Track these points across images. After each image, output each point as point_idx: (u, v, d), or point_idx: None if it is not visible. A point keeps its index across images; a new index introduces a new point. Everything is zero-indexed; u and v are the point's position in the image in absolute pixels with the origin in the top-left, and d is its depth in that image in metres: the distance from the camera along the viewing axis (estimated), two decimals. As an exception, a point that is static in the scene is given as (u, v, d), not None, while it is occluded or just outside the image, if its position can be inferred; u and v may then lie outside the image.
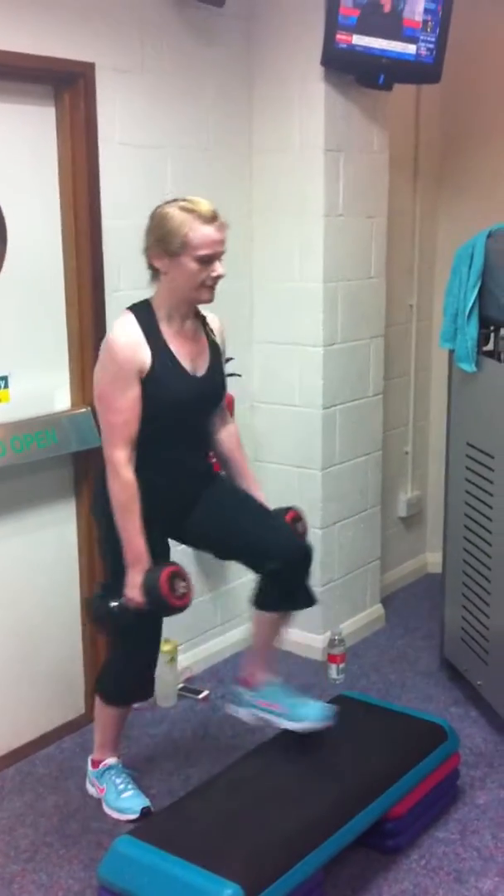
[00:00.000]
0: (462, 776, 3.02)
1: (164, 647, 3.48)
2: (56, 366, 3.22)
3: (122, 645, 2.85)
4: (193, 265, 2.48)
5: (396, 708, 3.10)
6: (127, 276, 3.28)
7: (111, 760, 2.95)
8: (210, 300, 2.58)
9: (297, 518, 2.87)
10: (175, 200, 2.53)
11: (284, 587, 2.71)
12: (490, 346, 3.33)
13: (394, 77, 3.63)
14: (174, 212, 2.49)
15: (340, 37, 3.38)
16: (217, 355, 2.72)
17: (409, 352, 4.49)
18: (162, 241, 2.49)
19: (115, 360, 2.50)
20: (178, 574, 2.57)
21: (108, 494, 2.56)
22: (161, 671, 3.49)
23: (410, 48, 3.57)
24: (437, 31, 3.61)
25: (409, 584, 4.67)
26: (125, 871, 2.36)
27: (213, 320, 2.75)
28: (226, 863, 2.30)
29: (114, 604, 2.62)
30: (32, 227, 3.07)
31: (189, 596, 2.60)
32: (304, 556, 2.72)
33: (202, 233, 2.47)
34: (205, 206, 2.50)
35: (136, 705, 3.46)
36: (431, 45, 3.62)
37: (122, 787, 2.90)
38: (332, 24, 3.36)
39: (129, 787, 2.90)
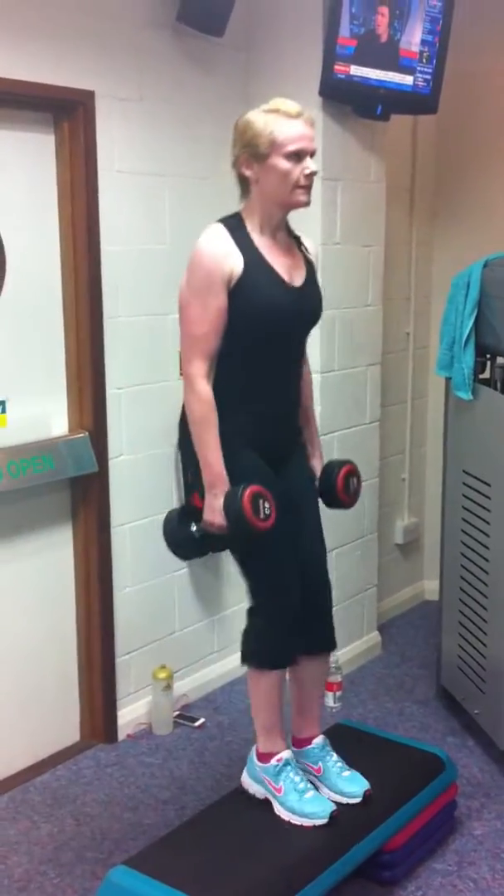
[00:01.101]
0: (459, 807, 2.99)
1: (160, 675, 3.47)
2: (54, 391, 3.23)
3: (263, 597, 2.60)
4: (285, 163, 2.38)
5: (393, 737, 3.08)
6: (125, 302, 3.30)
7: (286, 754, 2.64)
8: (307, 203, 2.46)
9: (352, 472, 2.73)
10: (258, 107, 2.44)
11: (308, 625, 2.60)
12: (486, 375, 3.34)
13: (391, 107, 3.66)
14: (257, 115, 2.41)
15: (338, 67, 3.42)
16: (313, 271, 2.60)
17: (406, 379, 4.51)
18: (249, 146, 2.40)
19: (201, 267, 2.38)
20: (261, 494, 2.37)
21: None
22: (156, 699, 3.48)
23: (407, 79, 3.61)
24: (434, 61, 3.65)
25: (406, 612, 4.66)
26: (120, 902, 2.33)
27: (308, 243, 2.64)
28: (222, 895, 2.27)
29: (194, 527, 2.49)
30: (31, 253, 3.09)
31: (273, 517, 2.39)
32: (324, 594, 2.63)
33: (289, 128, 2.38)
34: (288, 103, 2.42)
35: (132, 732, 3.45)
36: (428, 76, 3.66)
37: (303, 787, 2.59)
38: (330, 54, 3.39)
39: (310, 786, 2.61)
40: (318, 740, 2.73)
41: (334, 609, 3.85)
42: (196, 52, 3.43)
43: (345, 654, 3.95)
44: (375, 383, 4.00)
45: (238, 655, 3.92)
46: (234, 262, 2.39)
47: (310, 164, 2.42)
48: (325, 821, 2.53)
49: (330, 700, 3.69)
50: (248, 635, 2.64)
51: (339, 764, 2.69)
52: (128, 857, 2.53)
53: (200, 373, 2.42)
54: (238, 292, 2.40)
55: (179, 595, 3.67)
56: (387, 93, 3.57)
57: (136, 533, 3.43)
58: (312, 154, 2.44)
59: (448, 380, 3.45)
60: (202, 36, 3.37)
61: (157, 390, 3.45)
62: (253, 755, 2.70)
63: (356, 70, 3.46)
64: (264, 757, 2.65)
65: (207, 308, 2.39)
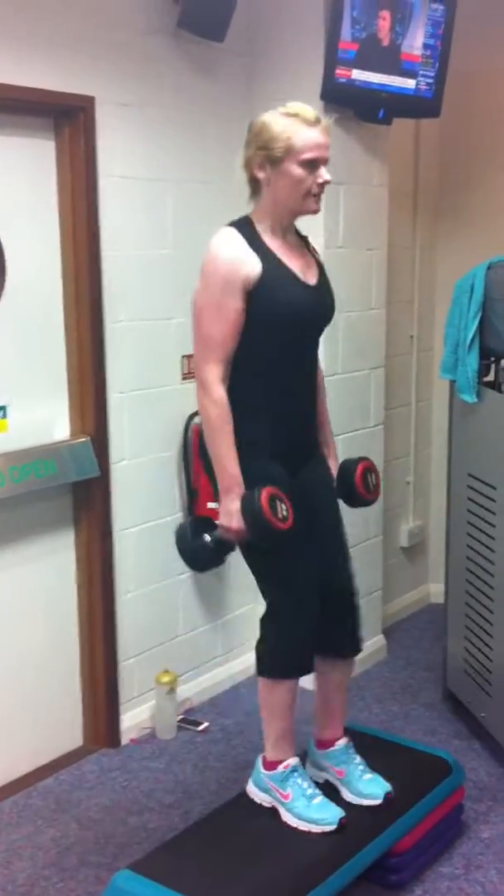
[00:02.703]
0: (466, 810, 2.98)
1: (164, 679, 3.47)
2: (55, 396, 3.23)
3: (278, 603, 2.57)
4: (299, 171, 2.36)
5: (400, 741, 3.07)
6: (127, 307, 3.30)
7: (293, 761, 2.61)
8: (317, 210, 2.45)
9: (369, 469, 2.71)
10: (275, 109, 2.40)
11: (331, 628, 2.60)
12: (491, 377, 3.34)
13: (393, 111, 3.66)
14: (275, 117, 2.37)
15: (340, 71, 3.42)
16: (324, 271, 2.58)
17: (410, 382, 4.50)
18: (264, 149, 2.36)
19: (217, 272, 2.36)
20: (277, 495, 2.35)
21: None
22: (160, 703, 3.48)
23: (410, 83, 3.61)
24: (437, 65, 3.65)
25: (412, 615, 4.64)
26: (124, 907, 2.32)
27: (313, 242, 2.64)
28: (226, 899, 2.27)
29: (208, 536, 2.47)
30: (32, 258, 3.09)
31: (291, 518, 2.36)
32: (347, 597, 2.64)
33: (306, 135, 2.35)
34: (307, 109, 2.39)
35: (135, 736, 3.44)
36: (430, 80, 3.66)
37: (311, 792, 2.57)
38: (332, 58, 3.39)
39: (318, 792, 2.59)
40: (342, 742, 2.73)
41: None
42: (197, 58, 3.44)
43: (350, 658, 3.94)
44: (379, 386, 4.00)
45: (242, 659, 3.94)
46: (251, 266, 2.38)
47: (323, 173, 2.40)
48: (333, 827, 2.51)
49: (335, 704, 3.67)
50: (263, 644, 2.60)
51: (362, 767, 2.70)
52: (132, 862, 2.52)
53: (216, 377, 2.39)
54: (258, 295, 2.38)
55: (183, 599, 3.67)
56: (389, 97, 3.57)
57: (138, 537, 3.43)
58: (326, 162, 2.42)
59: (452, 383, 3.45)
60: (203, 41, 3.38)
61: (159, 395, 3.45)
62: (259, 763, 2.67)
63: (358, 74, 3.46)
64: (271, 765, 2.62)
65: (225, 313, 2.37)
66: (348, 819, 2.54)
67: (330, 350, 3.70)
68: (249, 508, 2.35)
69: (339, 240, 3.68)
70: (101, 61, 3.12)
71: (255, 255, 2.39)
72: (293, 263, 2.47)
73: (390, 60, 3.54)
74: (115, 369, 3.28)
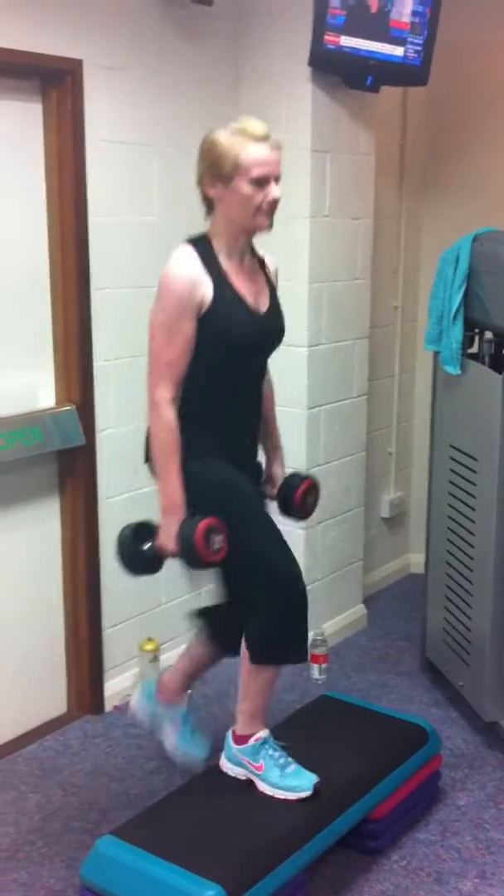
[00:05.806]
0: (443, 777, 3.03)
1: (147, 646, 3.49)
2: (40, 363, 3.21)
3: (266, 588, 2.53)
4: (248, 188, 2.37)
5: (378, 709, 3.10)
6: (113, 274, 3.28)
7: (263, 733, 2.62)
8: (269, 227, 2.45)
9: (311, 489, 2.78)
10: (226, 126, 2.40)
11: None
12: (474, 349, 3.35)
13: (381, 79, 3.63)
14: (224, 135, 2.38)
15: (328, 38, 3.38)
16: (275, 294, 2.61)
17: (394, 353, 4.50)
18: (213, 167, 2.38)
19: (171, 293, 2.38)
20: (215, 527, 2.40)
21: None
22: (144, 670, 3.50)
23: (398, 50, 3.58)
24: (425, 33, 3.61)
25: (392, 585, 4.68)
26: (107, 872, 2.35)
27: (269, 260, 2.64)
28: (208, 864, 2.30)
29: (146, 546, 2.52)
30: (17, 224, 3.07)
31: (224, 551, 2.42)
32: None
33: (254, 153, 2.35)
34: (255, 125, 2.38)
35: (118, 703, 3.46)
36: (419, 48, 3.62)
37: (283, 761, 2.58)
38: (320, 24, 3.36)
39: (291, 761, 2.59)
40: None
41: (321, 582, 3.92)
42: (185, 21, 3.39)
43: (330, 626, 3.98)
44: (363, 357, 4.00)
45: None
46: (203, 290, 2.39)
47: (273, 191, 2.40)
48: (308, 793, 2.54)
49: (315, 672, 3.71)
50: (259, 632, 2.55)
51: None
52: (115, 828, 2.55)
53: (167, 399, 2.43)
54: (207, 319, 2.41)
55: (166, 567, 3.67)
56: (377, 64, 3.54)
57: (123, 506, 3.43)
58: (277, 179, 2.42)
59: (436, 354, 3.46)
60: (192, 5, 3.33)
61: (145, 363, 3.42)
62: (230, 739, 2.68)
63: (346, 40, 3.43)
64: (242, 739, 2.63)
65: (177, 334, 2.40)
66: (322, 785, 2.56)
67: (314, 320, 3.70)
68: (185, 538, 2.40)
69: (325, 208, 3.66)
70: (89, 24, 3.08)
71: (208, 279, 2.40)
72: (245, 289, 2.49)
73: (379, 27, 3.50)
74: (100, 337, 3.27)
